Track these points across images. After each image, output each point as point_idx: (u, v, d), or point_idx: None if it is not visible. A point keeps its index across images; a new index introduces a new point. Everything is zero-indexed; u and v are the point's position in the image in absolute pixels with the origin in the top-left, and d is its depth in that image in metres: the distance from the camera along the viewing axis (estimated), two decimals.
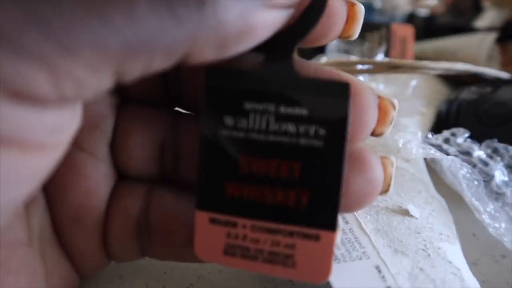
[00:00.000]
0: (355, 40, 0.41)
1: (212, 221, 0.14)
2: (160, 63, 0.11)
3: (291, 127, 0.13)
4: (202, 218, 0.14)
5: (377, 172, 0.14)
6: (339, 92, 0.13)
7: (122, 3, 0.09)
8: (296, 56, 0.14)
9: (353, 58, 0.34)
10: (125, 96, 0.17)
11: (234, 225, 0.14)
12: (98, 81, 0.10)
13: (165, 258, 0.18)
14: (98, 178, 0.16)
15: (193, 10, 0.10)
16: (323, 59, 0.32)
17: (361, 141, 0.14)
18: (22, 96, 0.09)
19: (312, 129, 0.13)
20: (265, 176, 0.13)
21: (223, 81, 0.13)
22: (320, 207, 0.13)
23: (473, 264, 0.23)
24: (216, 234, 0.14)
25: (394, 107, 0.14)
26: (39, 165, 0.11)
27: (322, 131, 0.13)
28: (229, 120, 0.13)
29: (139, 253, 0.17)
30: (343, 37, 0.15)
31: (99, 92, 0.10)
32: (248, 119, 0.13)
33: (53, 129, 0.10)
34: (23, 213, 0.15)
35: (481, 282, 0.22)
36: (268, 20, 0.12)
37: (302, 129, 0.13)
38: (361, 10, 0.14)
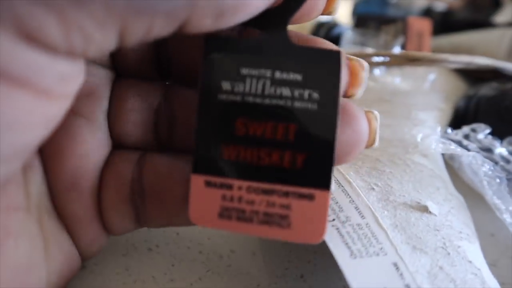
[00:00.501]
0: (369, 32, 0.40)
1: (208, 184, 0.14)
2: (160, 28, 0.11)
3: (285, 91, 0.14)
4: (197, 181, 0.14)
5: (363, 124, 0.14)
6: (331, 59, 0.14)
7: None
8: (290, 29, 0.14)
9: (369, 50, 0.33)
10: (119, 72, 0.17)
11: (229, 187, 0.14)
12: (103, 38, 0.11)
13: (160, 224, 0.17)
14: (94, 143, 0.16)
15: None
16: None
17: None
18: (36, 40, 0.10)
19: (306, 93, 0.14)
20: (261, 138, 0.14)
21: (221, 49, 0.14)
22: (314, 167, 0.14)
23: (491, 265, 0.22)
24: (212, 197, 0.14)
25: (363, 68, 0.15)
26: (49, 112, 0.11)
27: (315, 95, 0.14)
28: (226, 85, 0.14)
29: (135, 222, 0.17)
30: (325, 13, 0.15)
31: (103, 51, 0.11)
32: (245, 84, 0.14)
33: (61, 78, 0.11)
34: (21, 179, 0.14)
35: (500, 284, 0.21)
36: None
37: (296, 93, 0.14)
38: None
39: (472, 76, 0.34)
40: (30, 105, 0.11)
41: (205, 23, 0.12)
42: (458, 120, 0.29)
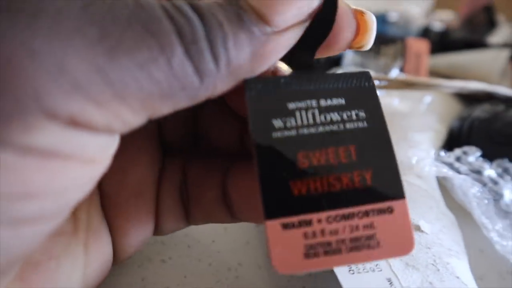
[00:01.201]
0: (370, 54, 0.42)
1: (285, 226, 0.13)
2: (184, 105, 0.13)
3: (335, 116, 0.14)
4: (273, 227, 0.13)
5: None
6: (364, 78, 0.15)
7: (163, 64, 0.12)
8: None
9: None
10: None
11: (309, 223, 0.13)
12: (136, 119, 0.12)
13: (203, 222, 0.20)
14: (154, 154, 0.19)
15: (212, 67, 0.12)
16: (339, 72, 0.32)
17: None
18: (82, 125, 0.11)
19: (353, 114, 0.14)
20: (326, 166, 0.14)
21: (262, 89, 0.14)
22: (384, 179, 0.14)
23: (479, 279, 0.24)
24: (293, 239, 0.13)
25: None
26: (94, 173, 0.13)
27: (362, 114, 0.14)
28: (277, 123, 0.14)
29: (184, 221, 0.19)
30: (355, 47, 0.15)
31: (135, 127, 0.13)
32: (295, 117, 0.14)
33: (102, 148, 0.13)
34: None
35: None
36: (281, 43, 0.13)
37: (345, 115, 0.14)
38: (372, 19, 0.15)
39: (467, 97, 0.36)
40: (79, 172, 0.12)
41: (226, 88, 0.13)
42: (452, 141, 0.31)
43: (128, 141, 0.17)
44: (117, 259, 0.19)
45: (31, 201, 0.11)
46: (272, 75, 0.15)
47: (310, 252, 0.13)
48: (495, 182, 0.24)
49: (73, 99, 0.11)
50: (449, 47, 0.45)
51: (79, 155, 0.12)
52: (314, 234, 0.13)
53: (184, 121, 0.19)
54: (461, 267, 0.20)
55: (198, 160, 0.19)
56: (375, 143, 0.14)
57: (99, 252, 0.17)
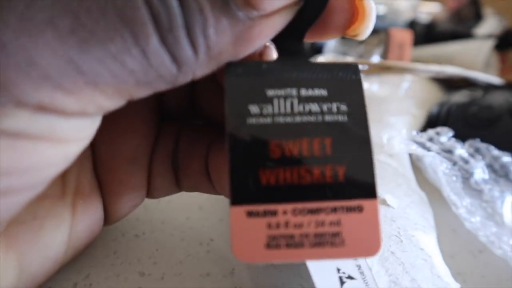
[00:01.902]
0: (353, 43, 0.42)
1: (250, 214, 0.13)
2: (164, 88, 0.13)
3: (314, 107, 0.14)
4: (238, 214, 0.13)
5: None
6: (351, 71, 0.14)
7: (137, 54, 0.11)
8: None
9: (349, 58, 0.35)
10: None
11: (274, 213, 0.13)
12: (112, 103, 0.13)
13: (192, 190, 0.20)
14: (151, 123, 0.19)
15: (190, 54, 0.12)
16: (320, 59, 0.33)
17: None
18: (55, 111, 0.12)
19: (334, 106, 0.14)
20: (298, 157, 0.13)
21: (243, 73, 0.14)
22: (357, 177, 0.13)
23: (450, 258, 0.24)
24: (256, 228, 0.13)
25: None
26: (68, 152, 0.13)
27: (343, 107, 0.14)
28: (254, 108, 0.14)
29: (175, 187, 0.20)
30: (351, 35, 0.15)
31: (113, 110, 0.13)
32: (273, 105, 0.14)
33: (76, 129, 0.13)
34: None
35: (457, 274, 0.23)
36: (267, 28, 0.13)
37: (325, 107, 0.14)
38: (370, 6, 0.14)
39: (448, 84, 0.36)
40: (51, 151, 0.13)
41: (209, 71, 0.13)
42: (430, 124, 0.31)
43: (125, 109, 0.17)
44: (109, 221, 0.20)
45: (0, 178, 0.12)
46: (254, 60, 0.15)
47: (272, 243, 0.13)
48: (466, 161, 0.24)
49: (42, 89, 0.11)
50: (435, 39, 0.46)
51: (50, 136, 0.12)
52: (278, 225, 0.13)
53: (183, 91, 0.20)
54: (427, 240, 0.21)
55: (190, 130, 0.20)
56: (353, 139, 0.14)
57: (87, 215, 0.18)
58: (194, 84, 0.19)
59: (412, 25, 0.49)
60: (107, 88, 0.12)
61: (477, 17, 0.50)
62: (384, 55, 0.38)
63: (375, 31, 0.43)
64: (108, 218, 0.19)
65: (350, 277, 0.17)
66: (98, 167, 0.19)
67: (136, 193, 0.19)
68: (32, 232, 0.16)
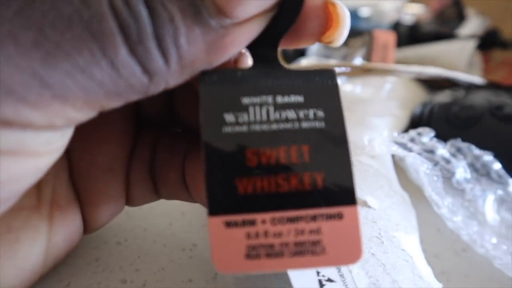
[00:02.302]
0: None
1: (228, 224, 0.13)
2: (136, 99, 0.13)
3: (291, 114, 0.14)
4: (216, 224, 0.13)
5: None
6: (327, 76, 0.14)
7: (106, 66, 0.11)
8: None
9: (332, 61, 0.35)
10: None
11: (252, 223, 0.13)
12: (83, 116, 0.12)
13: (171, 198, 0.20)
14: (128, 131, 0.19)
15: (161, 65, 0.12)
16: (303, 62, 0.33)
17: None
18: (22, 125, 0.11)
19: (311, 113, 0.14)
20: (276, 165, 0.13)
21: (217, 82, 0.14)
22: (336, 184, 0.13)
23: (435, 257, 0.24)
24: (235, 238, 0.13)
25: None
26: (38, 165, 0.13)
27: (320, 113, 0.14)
28: (229, 117, 0.13)
29: (154, 195, 0.20)
30: (325, 42, 0.15)
31: (85, 121, 0.13)
32: (248, 113, 0.13)
33: (46, 142, 0.13)
34: (33, 188, 0.17)
35: (441, 273, 0.23)
36: (241, 36, 0.13)
37: (301, 114, 0.14)
38: (344, 13, 0.14)
39: (431, 85, 0.36)
40: (21, 165, 0.12)
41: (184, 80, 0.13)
42: (413, 125, 0.31)
43: (100, 118, 0.17)
44: (88, 230, 0.19)
45: None
46: (229, 67, 0.14)
47: (252, 253, 0.13)
48: (447, 161, 0.24)
49: (6, 104, 0.11)
50: (419, 40, 0.46)
51: (19, 150, 0.12)
52: (257, 235, 0.13)
53: (161, 99, 0.20)
54: (408, 241, 0.21)
55: (168, 139, 0.20)
56: (331, 145, 0.14)
57: (65, 225, 0.18)
58: (172, 92, 0.19)
59: (396, 26, 0.49)
60: (76, 101, 0.12)
61: (460, 18, 0.51)
62: (368, 56, 0.38)
63: (359, 33, 0.44)
64: (87, 227, 0.19)
65: (329, 280, 0.17)
66: (75, 177, 0.18)
67: (114, 203, 0.19)
68: (8, 245, 0.16)
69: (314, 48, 0.38)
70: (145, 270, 0.21)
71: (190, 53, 0.12)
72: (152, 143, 0.20)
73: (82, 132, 0.16)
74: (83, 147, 0.18)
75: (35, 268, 0.17)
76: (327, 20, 0.14)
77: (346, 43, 0.40)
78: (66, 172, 0.18)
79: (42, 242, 0.17)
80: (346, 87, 0.31)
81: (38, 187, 0.17)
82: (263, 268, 0.13)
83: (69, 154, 0.18)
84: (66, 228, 0.18)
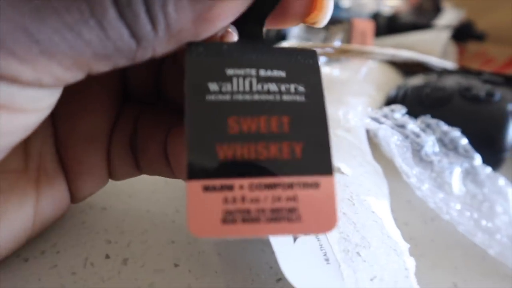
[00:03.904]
0: (315, 30, 0.44)
1: (206, 188, 0.13)
2: (123, 64, 0.13)
3: (272, 87, 0.14)
4: (194, 188, 0.13)
5: None
6: (309, 56, 0.15)
7: (94, 26, 0.12)
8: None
9: (310, 43, 0.37)
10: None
11: (230, 188, 0.13)
12: (71, 76, 0.13)
13: (151, 173, 0.21)
14: (110, 103, 0.19)
15: (148, 30, 0.12)
16: (284, 44, 0.34)
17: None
18: (10, 78, 0.12)
19: (292, 87, 0.14)
20: (256, 133, 0.14)
21: (204, 53, 0.14)
22: (314, 154, 0.14)
23: (404, 225, 0.26)
24: (212, 202, 0.13)
25: None
26: (25, 122, 0.14)
27: (301, 88, 0.14)
28: (213, 86, 0.14)
29: (135, 169, 0.20)
30: (309, 23, 0.15)
31: (71, 82, 0.13)
32: (232, 83, 0.14)
33: (33, 99, 0.13)
34: (21, 148, 0.18)
35: (410, 239, 0.25)
36: (228, 9, 0.13)
37: (283, 87, 0.14)
38: None
39: (405, 70, 0.38)
40: (7, 120, 0.13)
41: (169, 50, 0.13)
42: (388, 105, 0.33)
43: (86, 87, 0.18)
44: (75, 199, 0.20)
45: None
46: (215, 40, 0.15)
47: (228, 218, 0.13)
48: (417, 135, 0.26)
49: None
50: (397, 30, 0.48)
51: (7, 105, 0.12)
52: (234, 200, 0.13)
53: (148, 73, 0.20)
54: (378, 205, 0.22)
55: (151, 114, 0.20)
56: (310, 118, 0.14)
57: (51, 192, 0.19)
58: (159, 68, 0.20)
59: (376, 17, 0.51)
60: (64, 59, 0.12)
61: (437, 10, 0.53)
62: (348, 43, 0.39)
63: (339, 21, 0.45)
64: (73, 197, 0.20)
65: None
66: (59, 145, 0.19)
67: (97, 174, 0.20)
68: None
69: (295, 31, 0.39)
70: (129, 232, 0.22)
71: (177, 21, 0.12)
72: (134, 118, 0.20)
73: (68, 99, 0.17)
74: (67, 114, 0.19)
75: (23, 230, 0.18)
76: (312, 1, 0.15)
77: (326, 28, 0.41)
78: (52, 139, 0.19)
79: (29, 206, 0.18)
80: (325, 69, 0.33)
81: (26, 152, 0.18)
82: (238, 233, 0.13)
83: (55, 121, 0.19)
84: (53, 194, 0.19)
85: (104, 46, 0.12)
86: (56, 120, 0.19)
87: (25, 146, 0.18)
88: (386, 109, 0.27)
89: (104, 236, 0.21)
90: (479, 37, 0.50)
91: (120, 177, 0.21)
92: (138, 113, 0.20)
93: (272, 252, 0.18)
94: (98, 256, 0.20)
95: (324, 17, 0.15)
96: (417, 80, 0.34)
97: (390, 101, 0.33)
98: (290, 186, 0.13)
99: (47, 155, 0.19)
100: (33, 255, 0.20)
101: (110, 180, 0.21)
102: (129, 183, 0.25)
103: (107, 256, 0.20)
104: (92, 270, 0.19)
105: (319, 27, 0.16)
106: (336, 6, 0.50)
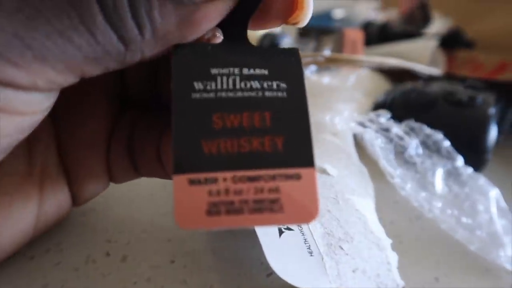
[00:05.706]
0: (309, 39, 0.45)
1: (191, 182, 0.13)
2: (114, 67, 0.14)
3: (255, 84, 0.15)
4: (180, 182, 0.13)
5: None
6: (291, 54, 0.16)
7: (84, 32, 0.12)
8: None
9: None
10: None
11: (214, 180, 0.14)
12: (64, 79, 0.14)
13: (150, 176, 0.21)
14: (110, 108, 0.20)
15: (135, 34, 0.13)
16: None
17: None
18: (5, 83, 0.13)
19: (274, 84, 0.15)
20: (239, 128, 0.14)
21: (189, 54, 0.15)
22: (295, 147, 0.14)
23: (390, 223, 0.27)
24: (197, 195, 0.13)
25: None
26: (21, 125, 0.14)
27: (283, 85, 0.15)
28: (198, 85, 0.14)
29: (134, 173, 0.21)
30: (292, 23, 0.16)
31: (65, 85, 0.14)
32: (216, 81, 0.15)
33: (29, 103, 0.14)
34: (25, 153, 0.19)
35: (395, 236, 0.26)
36: (212, 12, 0.14)
37: (265, 84, 0.15)
38: None
39: (394, 78, 0.39)
40: (4, 121, 0.13)
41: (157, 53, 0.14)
42: (376, 110, 0.34)
43: (84, 95, 0.19)
44: (76, 202, 0.21)
45: None
46: (200, 41, 0.15)
47: (213, 210, 0.13)
48: (401, 138, 0.27)
49: None
50: (388, 38, 0.50)
51: (3, 108, 0.13)
52: (218, 192, 0.14)
53: (145, 79, 0.20)
54: (363, 203, 0.23)
55: (146, 119, 0.21)
56: (292, 113, 0.15)
57: (54, 195, 0.20)
58: (156, 73, 0.20)
59: (367, 26, 0.53)
60: (56, 63, 0.13)
61: (427, 19, 0.54)
62: (339, 52, 0.41)
63: (330, 31, 0.47)
64: (75, 200, 0.21)
65: (288, 228, 0.19)
66: (61, 150, 0.20)
67: (97, 178, 0.20)
68: (2, 207, 0.17)
69: (287, 40, 0.41)
70: (128, 232, 0.23)
71: (163, 25, 0.13)
72: (132, 122, 0.21)
73: (68, 106, 0.18)
74: (69, 120, 0.20)
75: (26, 230, 0.19)
76: (292, 2, 0.15)
77: (317, 38, 0.43)
78: (55, 144, 0.20)
79: (33, 207, 0.19)
80: (314, 77, 0.34)
81: (30, 156, 0.19)
82: (222, 224, 0.13)
83: (57, 127, 0.20)
84: (55, 197, 0.20)
85: (94, 50, 0.13)
86: (58, 126, 0.20)
87: (29, 151, 0.19)
88: (372, 114, 0.29)
89: (104, 236, 0.23)
90: (468, 44, 0.51)
91: (120, 180, 0.21)
92: (135, 117, 0.21)
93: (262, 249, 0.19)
94: (99, 253, 0.21)
95: (306, 16, 0.16)
96: (404, 87, 0.36)
97: (378, 106, 0.34)
98: (272, 178, 0.14)
99: (50, 159, 0.19)
100: (38, 253, 0.21)
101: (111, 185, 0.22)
102: (128, 186, 0.27)
103: (108, 254, 0.21)
104: (94, 266, 0.21)
105: (301, 26, 0.16)
106: (329, 18, 0.52)
